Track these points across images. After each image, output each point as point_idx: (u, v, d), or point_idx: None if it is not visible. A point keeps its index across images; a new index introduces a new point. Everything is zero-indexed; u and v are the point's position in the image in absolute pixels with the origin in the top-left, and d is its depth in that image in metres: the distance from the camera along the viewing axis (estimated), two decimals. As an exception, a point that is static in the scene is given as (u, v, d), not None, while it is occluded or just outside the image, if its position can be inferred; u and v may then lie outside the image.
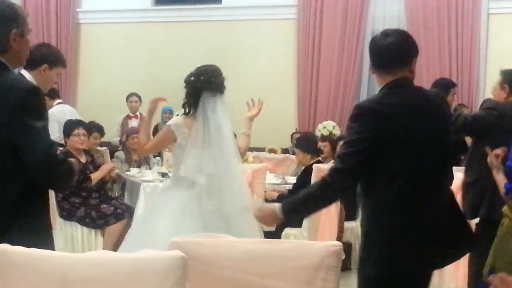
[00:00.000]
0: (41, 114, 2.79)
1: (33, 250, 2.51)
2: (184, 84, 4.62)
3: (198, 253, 2.60)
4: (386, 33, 3.17)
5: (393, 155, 2.87)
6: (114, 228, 6.33)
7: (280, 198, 6.81)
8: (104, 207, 6.30)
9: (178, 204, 4.39)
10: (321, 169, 6.38)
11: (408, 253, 2.81)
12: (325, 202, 3.11)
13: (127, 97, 9.02)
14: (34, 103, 2.78)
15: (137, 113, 8.92)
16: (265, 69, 9.73)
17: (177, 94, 4.93)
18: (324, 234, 6.12)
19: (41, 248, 2.50)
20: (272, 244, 2.75)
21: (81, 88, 10.43)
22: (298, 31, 9.65)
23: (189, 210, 4.33)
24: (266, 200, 6.68)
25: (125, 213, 6.39)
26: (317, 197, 2.99)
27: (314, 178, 6.32)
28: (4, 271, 2.44)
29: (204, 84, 4.59)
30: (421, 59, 9.10)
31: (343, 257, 2.57)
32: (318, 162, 6.92)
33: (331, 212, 6.10)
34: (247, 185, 4.59)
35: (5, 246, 2.48)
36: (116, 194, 7.41)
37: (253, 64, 9.76)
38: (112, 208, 6.41)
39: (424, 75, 8.63)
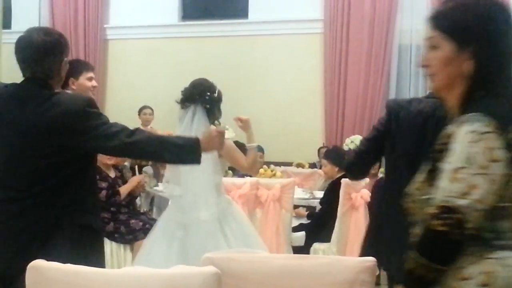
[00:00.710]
0: (100, 115, 3.12)
1: (68, 266, 2.52)
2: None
3: (232, 268, 2.60)
4: None
5: None
6: (143, 244, 6.35)
7: (310, 214, 6.81)
8: (133, 222, 6.31)
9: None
10: (349, 184, 6.37)
11: None
12: None
13: (140, 110, 9.07)
14: (93, 110, 3.10)
15: (149, 126, 8.94)
16: (292, 84, 9.75)
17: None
18: (353, 249, 6.10)
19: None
20: (306, 259, 2.74)
21: (109, 103, 10.51)
22: (324, 45, 9.66)
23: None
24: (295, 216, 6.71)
25: (153, 228, 6.40)
26: None
27: (343, 193, 6.30)
28: (39, 286, 2.46)
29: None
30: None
31: (377, 273, 2.55)
32: (345, 176, 6.90)
33: (360, 227, 6.07)
34: (215, 198, 4.52)
35: (40, 262, 2.49)
36: (145, 210, 7.44)
37: (280, 79, 9.78)
38: (141, 224, 6.43)
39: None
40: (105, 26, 10.72)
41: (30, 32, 3.19)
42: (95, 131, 3.07)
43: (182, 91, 4.65)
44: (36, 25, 9.14)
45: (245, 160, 4.58)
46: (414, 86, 9.40)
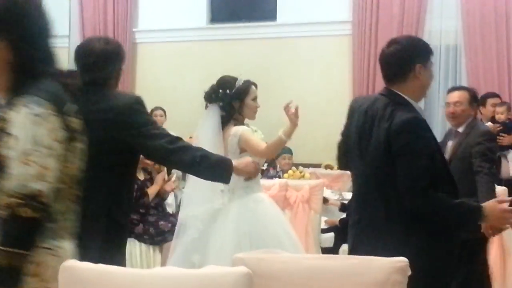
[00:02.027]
0: (147, 115, 3.31)
1: (100, 266, 2.54)
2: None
3: (263, 269, 2.60)
4: (390, 42, 3.35)
5: None
6: (172, 245, 6.37)
7: (342, 222, 6.76)
8: (162, 224, 6.35)
9: None
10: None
11: None
12: None
13: (151, 111, 9.12)
14: (141, 107, 3.25)
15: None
16: (320, 85, 9.73)
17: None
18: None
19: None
20: (336, 260, 2.74)
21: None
22: (353, 47, 9.63)
23: None
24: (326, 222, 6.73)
25: (182, 230, 6.43)
26: None
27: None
28: (72, 286, 2.48)
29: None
30: (479, 73, 9.00)
31: (409, 273, 2.53)
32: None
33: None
34: (212, 194, 4.54)
35: (73, 262, 2.51)
36: (174, 211, 7.47)
37: (308, 81, 9.77)
38: (169, 225, 6.45)
39: (482, 89, 8.50)
40: (134, 29, 10.79)
41: (91, 40, 3.40)
42: (139, 128, 3.17)
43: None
44: (67, 29, 9.24)
45: (264, 145, 4.51)
46: (444, 87, 9.32)
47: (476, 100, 5.20)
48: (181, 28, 10.39)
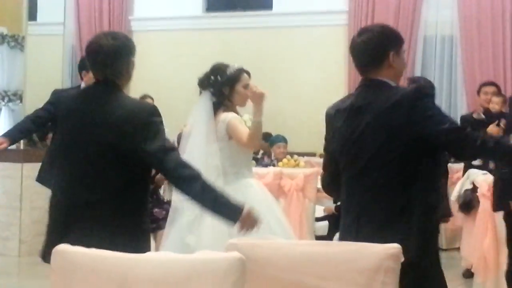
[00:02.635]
0: (160, 129, 3.29)
1: (93, 251, 2.54)
2: None
3: (256, 254, 2.60)
4: (360, 31, 3.24)
5: None
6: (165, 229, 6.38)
7: (339, 209, 6.75)
8: (156, 211, 6.34)
9: None
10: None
11: None
12: None
13: (140, 98, 9.08)
14: (159, 121, 3.30)
15: None
16: (315, 75, 9.72)
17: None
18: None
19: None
20: (331, 246, 2.74)
21: (133, 95, 10.51)
22: (349, 36, 9.58)
23: None
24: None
25: (177, 218, 6.43)
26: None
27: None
28: (65, 271, 2.48)
29: None
30: (475, 63, 9.00)
31: (402, 259, 2.53)
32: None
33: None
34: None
35: (65, 247, 2.52)
36: (168, 199, 7.45)
37: (304, 70, 9.76)
38: (164, 212, 6.44)
39: (478, 80, 8.50)
40: (129, 17, 10.75)
41: (98, 37, 3.39)
42: (153, 143, 3.20)
43: None
44: (61, 17, 9.20)
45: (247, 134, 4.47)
46: (439, 78, 9.32)
47: None
48: (176, 17, 10.36)
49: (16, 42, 8.54)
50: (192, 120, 4.70)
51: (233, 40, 9.97)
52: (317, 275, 2.58)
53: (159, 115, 3.33)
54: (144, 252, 3.10)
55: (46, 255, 3.11)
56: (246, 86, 4.61)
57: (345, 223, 3.09)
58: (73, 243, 2.75)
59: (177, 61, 10.29)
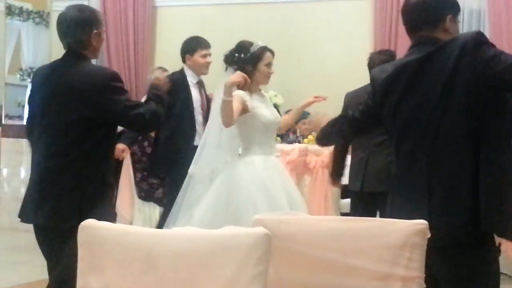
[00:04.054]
0: (123, 89, 3.62)
1: (118, 226, 2.58)
2: None
3: (282, 230, 2.60)
4: None
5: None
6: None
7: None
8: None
9: None
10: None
11: None
12: None
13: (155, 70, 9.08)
14: (117, 83, 3.58)
15: None
16: (340, 51, 9.64)
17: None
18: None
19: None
20: (356, 222, 2.72)
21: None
22: (374, 11, 9.51)
23: None
24: None
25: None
26: None
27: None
28: (90, 246, 2.50)
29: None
30: (503, 38, 8.86)
31: (429, 235, 2.51)
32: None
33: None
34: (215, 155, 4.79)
35: (91, 222, 2.54)
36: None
37: (328, 46, 9.68)
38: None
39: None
40: (153, -7, 10.74)
41: (67, 8, 3.70)
42: (115, 105, 3.51)
43: None
44: (86, -8, 9.23)
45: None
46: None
47: None
48: (200, -8, 10.33)
49: (41, 18, 8.58)
50: (216, 96, 4.81)
51: (257, 15, 9.91)
52: (342, 251, 2.58)
53: (119, 80, 3.62)
54: (110, 204, 3.69)
55: (22, 215, 3.70)
56: (268, 65, 4.75)
57: (407, 199, 2.94)
58: (46, 199, 3.52)
59: (201, 36, 10.27)
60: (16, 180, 8.03)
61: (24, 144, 7.96)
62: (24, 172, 8.00)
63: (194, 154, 4.91)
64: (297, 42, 9.61)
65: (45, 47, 8.49)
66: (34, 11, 8.65)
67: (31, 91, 3.85)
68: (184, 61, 5.92)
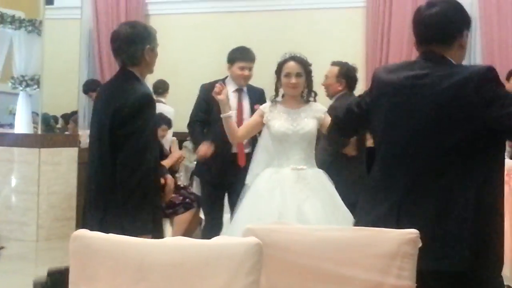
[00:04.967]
0: (146, 119, 3.59)
1: (110, 236, 2.57)
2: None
3: (274, 240, 2.61)
4: (431, 3, 2.96)
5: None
6: (182, 218, 6.43)
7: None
8: (173, 197, 6.38)
9: None
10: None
11: None
12: None
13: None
14: (149, 109, 3.63)
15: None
16: (333, 58, 9.66)
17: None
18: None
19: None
20: (348, 231, 2.74)
21: (150, 80, 10.54)
22: (367, 19, 9.57)
23: None
24: None
25: (193, 203, 6.49)
26: None
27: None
28: (82, 256, 2.50)
29: None
30: (494, 46, 8.92)
31: (420, 244, 2.53)
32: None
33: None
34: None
35: (84, 232, 2.54)
36: (185, 184, 7.50)
37: (322, 53, 9.68)
38: (181, 198, 6.49)
39: (497, 63, 8.42)
40: (146, 1, 10.75)
41: (119, 26, 3.83)
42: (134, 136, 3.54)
43: None
44: (79, 1, 9.23)
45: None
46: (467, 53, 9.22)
47: (345, 75, 6.05)
48: (195, 0, 10.35)
49: (34, 26, 8.57)
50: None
51: (252, 23, 9.94)
52: (334, 261, 2.59)
53: (150, 106, 3.67)
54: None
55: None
56: (287, 76, 4.74)
57: (380, 208, 2.90)
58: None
59: (195, 44, 10.28)
60: (7, 189, 8.00)
61: (15, 152, 7.96)
62: (16, 181, 7.97)
63: (230, 161, 5.53)
64: (290, 50, 9.63)
65: (37, 56, 8.47)
66: (27, 19, 8.65)
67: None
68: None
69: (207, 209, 5.91)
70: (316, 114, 4.72)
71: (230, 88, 5.65)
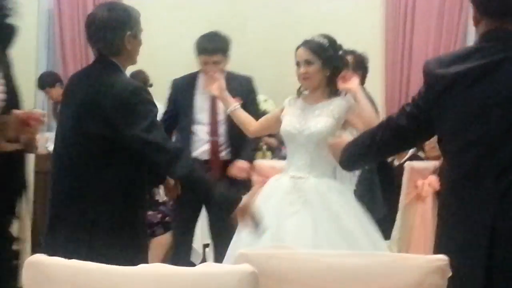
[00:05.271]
0: (144, 110, 3.65)
1: (73, 262, 2.55)
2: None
3: (272, 267, 2.60)
4: None
5: None
6: (161, 240, 6.40)
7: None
8: (150, 215, 6.34)
9: None
10: (415, 169, 6.35)
11: None
12: None
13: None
14: (137, 101, 3.63)
15: None
16: (347, 45, 9.65)
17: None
18: (418, 248, 6.08)
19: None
20: (361, 258, 2.73)
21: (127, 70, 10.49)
22: (386, 2, 9.56)
23: None
24: None
25: (174, 222, 6.47)
26: None
27: (407, 180, 6.28)
28: (38, 286, 2.49)
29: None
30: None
31: (449, 274, 2.53)
32: (410, 158, 6.87)
33: (427, 222, 6.06)
34: None
35: (39, 257, 2.53)
36: (164, 199, 7.47)
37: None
38: (159, 216, 6.48)
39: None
40: (118, -23, 10.75)
41: (96, 8, 3.86)
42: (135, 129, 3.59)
43: None
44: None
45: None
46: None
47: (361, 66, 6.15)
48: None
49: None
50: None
51: (245, 4, 9.89)
52: (344, 293, 2.60)
53: (141, 97, 3.69)
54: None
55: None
56: (298, 64, 4.77)
57: (459, 237, 2.94)
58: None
59: (175, 28, 10.26)
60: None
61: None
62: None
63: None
64: (295, 35, 9.56)
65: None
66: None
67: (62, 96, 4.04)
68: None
69: (176, 231, 5.97)
70: (334, 111, 4.66)
71: (203, 83, 5.65)
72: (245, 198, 3.68)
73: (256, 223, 3.65)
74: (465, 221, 2.91)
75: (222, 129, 5.81)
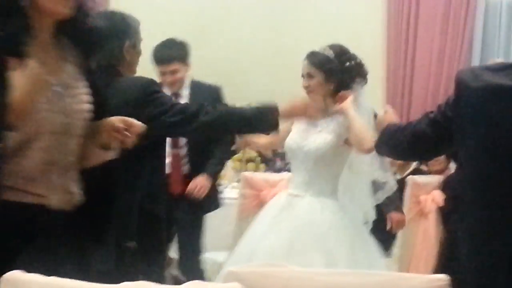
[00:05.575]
0: (161, 100, 3.77)
1: (52, 279, 2.53)
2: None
3: (263, 286, 2.60)
4: None
5: None
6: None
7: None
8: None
9: None
10: (417, 183, 6.35)
11: None
12: None
13: None
14: (153, 94, 3.74)
15: None
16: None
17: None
18: (419, 266, 6.08)
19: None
20: (359, 276, 2.73)
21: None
22: (388, 3, 9.58)
23: None
24: None
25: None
26: None
27: (409, 195, 6.29)
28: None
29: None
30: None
31: (452, 295, 2.54)
32: (413, 172, 6.87)
33: (430, 239, 6.06)
34: None
35: (15, 274, 2.51)
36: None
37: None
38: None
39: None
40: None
41: (95, 17, 3.76)
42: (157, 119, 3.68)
43: None
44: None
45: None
46: (505, 55, 9.26)
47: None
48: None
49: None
50: None
51: (236, 3, 9.88)
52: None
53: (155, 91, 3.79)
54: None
55: None
56: (302, 76, 4.98)
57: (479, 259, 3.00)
58: None
59: (163, 30, 10.21)
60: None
61: None
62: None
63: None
64: (293, 40, 9.60)
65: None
66: None
67: None
68: None
69: None
70: (335, 128, 4.74)
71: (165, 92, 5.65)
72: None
73: None
74: (491, 242, 2.93)
75: (182, 141, 5.82)
